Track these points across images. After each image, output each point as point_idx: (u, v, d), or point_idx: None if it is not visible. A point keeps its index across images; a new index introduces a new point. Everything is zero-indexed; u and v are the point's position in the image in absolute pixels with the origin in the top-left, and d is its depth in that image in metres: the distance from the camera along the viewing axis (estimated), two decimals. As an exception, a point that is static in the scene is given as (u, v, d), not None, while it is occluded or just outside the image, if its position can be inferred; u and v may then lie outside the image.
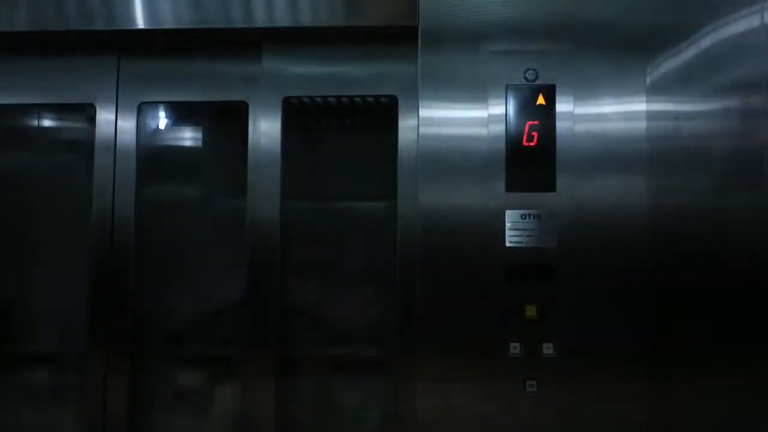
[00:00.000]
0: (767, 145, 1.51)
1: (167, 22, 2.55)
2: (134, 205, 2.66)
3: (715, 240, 1.85)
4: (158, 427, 2.73)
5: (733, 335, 1.75)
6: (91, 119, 2.69)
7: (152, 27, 2.56)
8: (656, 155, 2.24)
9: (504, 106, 2.34)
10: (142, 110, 2.71)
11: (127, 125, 2.68)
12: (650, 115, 2.28)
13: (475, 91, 2.35)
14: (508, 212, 2.30)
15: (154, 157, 2.78)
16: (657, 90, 2.25)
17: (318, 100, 2.67)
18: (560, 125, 2.32)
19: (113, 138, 2.68)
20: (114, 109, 2.68)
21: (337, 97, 2.66)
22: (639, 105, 2.30)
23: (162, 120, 2.85)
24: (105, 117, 2.68)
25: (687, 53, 1.99)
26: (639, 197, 2.27)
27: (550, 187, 2.31)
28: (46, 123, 2.96)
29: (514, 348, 2.27)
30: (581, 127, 2.31)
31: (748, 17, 1.59)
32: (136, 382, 2.67)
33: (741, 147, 1.66)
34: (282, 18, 2.53)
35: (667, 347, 2.14)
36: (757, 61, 1.54)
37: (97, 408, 2.62)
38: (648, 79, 2.29)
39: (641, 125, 2.30)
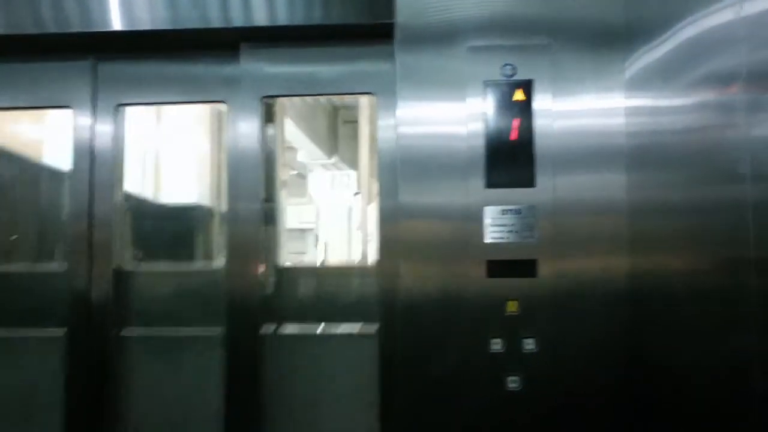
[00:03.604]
0: (746, 138, 1.52)
1: (144, 24, 2.54)
2: (113, 211, 2.64)
3: (693, 233, 1.86)
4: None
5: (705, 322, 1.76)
6: (68, 123, 2.67)
7: (129, 29, 2.54)
8: (635, 150, 2.25)
9: (482, 103, 2.34)
10: (119, 113, 2.68)
11: (105, 128, 2.66)
12: (629, 111, 2.29)
13: (453, 87, 2.35)
14: (487, 208, 2.30)
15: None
16: (635, 85, 2.25)
17: (297, 99, 2.66)
18: (539, 121, 2.32)
19: (90, 141, 2.65)
20: (91, 112, 2.66)
21: (316, 96, 2.65)
22: (617, 100, 2.31)
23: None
24: (82, 120, 2.66)
25: (665, 47, 2.00)
26: (618, 192, 2.28)
27: (530, 182, 2.31)
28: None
29: (496, 344, 2.27)
30: (560, 123, 2.32)
31: (726, 10, 1.60)
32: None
33: (720, 141, 1.67)
34: (259, 17, 2.52)
35: (645, 339, 2.16)
36: (736, 55, 1.55)
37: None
38: (626, 74, 2.30)
39: (620, 121, 2.30)
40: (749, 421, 1.54)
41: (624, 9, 2.32)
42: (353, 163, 12.36)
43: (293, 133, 10.46)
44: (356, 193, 15.27)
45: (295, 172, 13.90)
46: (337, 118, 12.84)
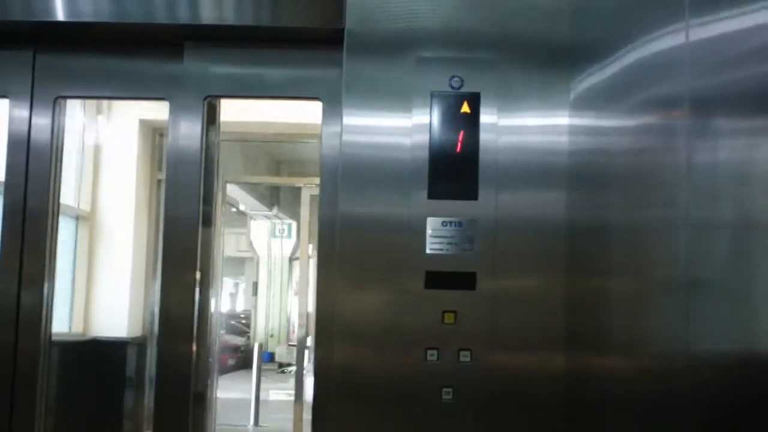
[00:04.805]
0: (685, 163, 1.54)
1: (86, 16, 2.48)
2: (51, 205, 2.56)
3: (629, 254, 1.88)
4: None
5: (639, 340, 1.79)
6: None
7: (71, 20, 2.48)
8: (576, 169, 2.26)
9: (428, 114, 2.33)
10: (58, 105, 2.60)
11: (42, 121, 2.58)
12: (572, 130, 2.30)
13: (400, 97, 2.34)
14: (429, 219, 2.29)
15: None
16: (580, 105, 2.27)
17: (240, 101, 2.62)
18: (484, 134, 2.32)
19: (27, 133, 2.57)
20: (28, 104, 2.57)
21: (260, 99, 2.61)
22: (561, 119, 2.32)
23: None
24: (18, 111, 2.58)
25: (611, 69, 2.01)
26: (558, 209, 2.29)
27: (472, 195, 2.31)
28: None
29: (432, 355, 2.27)
30: (504, 138, 2.32)
31: (673, 34, 1.61)
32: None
33: (659, 164, 1.69)
34: (206, 16, 2.48)
35: (579, 353, 2.17)
36: (681, 79, 1.56)
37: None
38: (571, 94, 2.31)
39: (563, 139, 2.32)
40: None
41: (570, 30, 2.33)
42: (294, 215, 12.43)
43: (233, 190, 10.50)
44: (294, 258, 15.39)
45: (234, 209, 13.97)
46: (279, 172, 12.85)
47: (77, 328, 6.30)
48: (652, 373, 1.70)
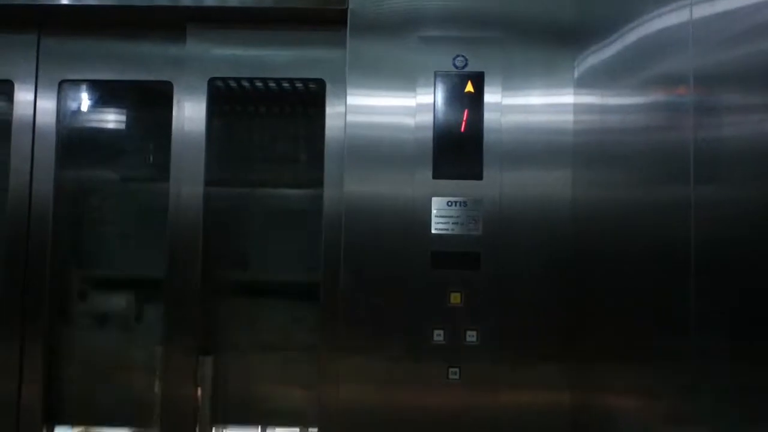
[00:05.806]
0: (692, 140, 1.53)
1: (89, -1, 2.47)
2: (53, 188, 2.57)
3: (633, 233, 1.88)
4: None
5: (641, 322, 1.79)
6: (9, 97, 2.59)
7: (75, 3, 2.48)
8: (582, 148, 2.26)
9: (432, 93, 2.33)
10: (62, 88, 2.62)
11: (47, 104, 2.59)
12: (577, 108, 2.30)
13: (404, 77, 2.34)
14: (434, 199, 2.30)
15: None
16: (584, 83, 2.26)
17: (245, 83, 2.61)
18: (488, 114, 2.32)
19: (32, 117, 2.58)
20: (33, 87, 2.59)
21: (264, 80, 2.61)
22: (566, 97, 2.32)
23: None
24: (24, 95, 2.59)
25: (615, 46, 2.01)
26: (564, 189, 2.29)
27: (477, 175, 2.31)
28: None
29: (438, 335, 2.27)
30: (509, 117, 2.32)
31: (677, 11, 1.61)
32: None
33: (666, 141, 1.68)
34: (208, -3, 2.48)
35: (582, 334, 2.18)
36: (685, 56, 1.56)
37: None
38: (576, 72, 2.31)
39: (568, 118, 2.31)
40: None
41: (574, 7, 2.33)
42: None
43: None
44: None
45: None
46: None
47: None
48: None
